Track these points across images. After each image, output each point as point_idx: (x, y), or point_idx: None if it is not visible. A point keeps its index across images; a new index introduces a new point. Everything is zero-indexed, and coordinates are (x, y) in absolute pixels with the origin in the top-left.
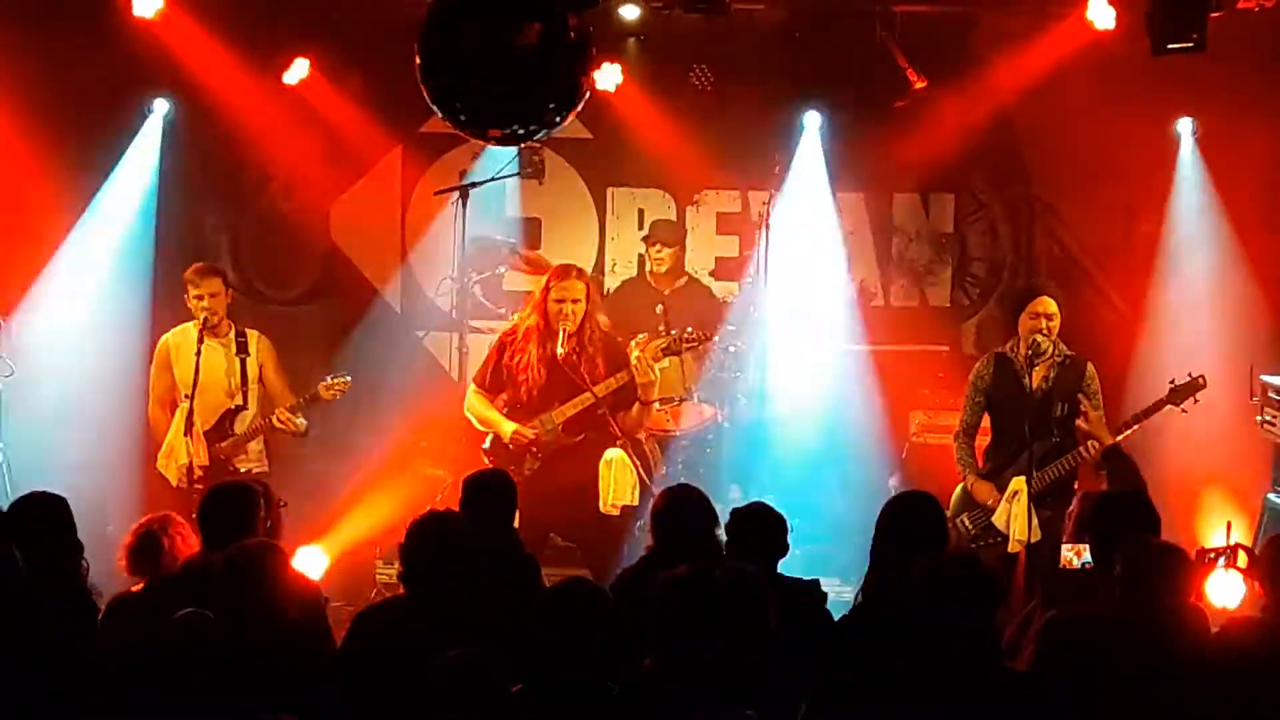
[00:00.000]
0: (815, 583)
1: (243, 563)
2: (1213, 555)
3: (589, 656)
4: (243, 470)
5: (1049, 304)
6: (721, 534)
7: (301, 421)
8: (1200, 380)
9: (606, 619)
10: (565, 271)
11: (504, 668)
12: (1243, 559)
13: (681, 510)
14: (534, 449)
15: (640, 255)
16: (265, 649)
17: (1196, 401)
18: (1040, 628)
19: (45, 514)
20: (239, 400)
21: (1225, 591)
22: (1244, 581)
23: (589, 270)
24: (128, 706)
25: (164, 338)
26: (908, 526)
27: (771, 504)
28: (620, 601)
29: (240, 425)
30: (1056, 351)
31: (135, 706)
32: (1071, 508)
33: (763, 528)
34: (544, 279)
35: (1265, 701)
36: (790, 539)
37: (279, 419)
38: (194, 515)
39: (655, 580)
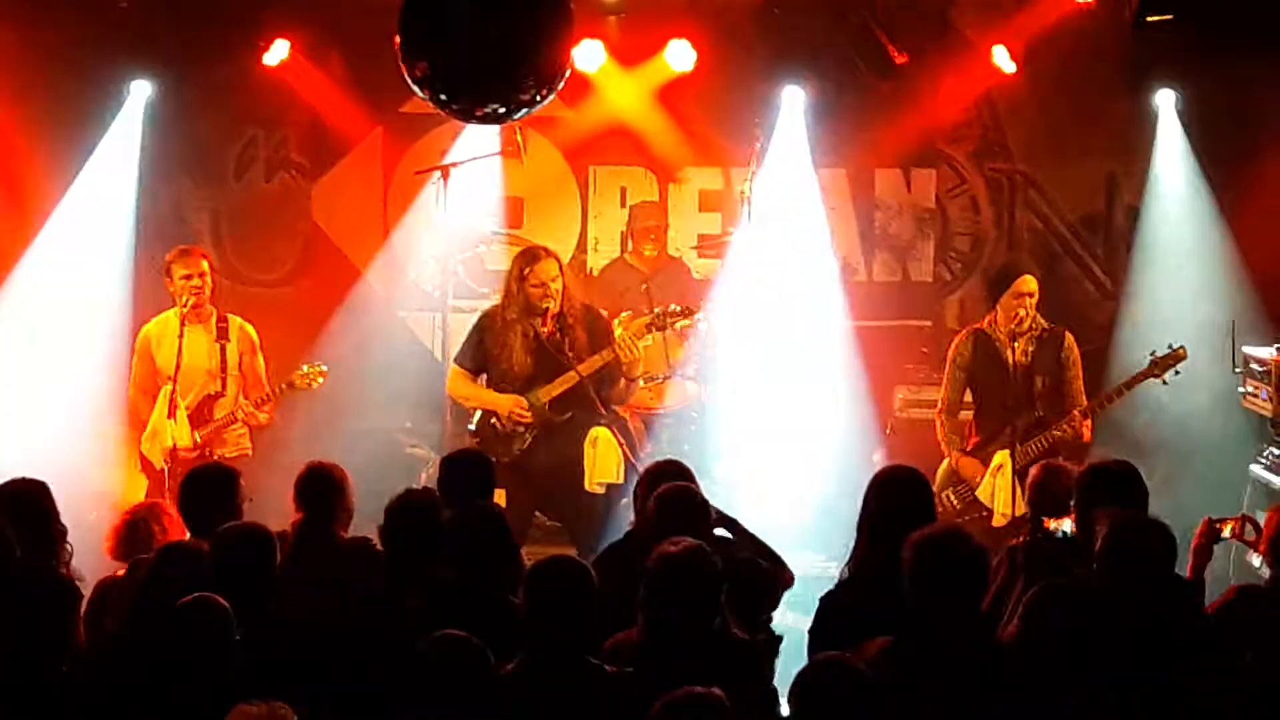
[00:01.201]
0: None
1: (224, 546)
2: (1219, 525)
3: (575, 634)
4: (226, 455)
5: (1031, 282)
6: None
7: (264, 416)
8: (1181, 351)
9: (593, 596)
10: (535, 254)
11: (486, 648)
12: (1250, 531)
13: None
14: (522, 428)
15: (623, 234)
16: (258, 635)
17: (1178, 373)
18: (1027, 600)
19: (27, 500)
20: (218, 386)
21: None
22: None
23: (571, 249)
24: (114, 693)
25: (144, 329)
26: (893, 501)
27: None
28: (605, 576)
29: (219, 412)
30: (1035, 325)
31: (122, 693)
32: (1031, 477)
33: (684, 511)
34: (513, 264)
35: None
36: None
37: (243, 410)
38: (171, 497)
39: (640, 554)
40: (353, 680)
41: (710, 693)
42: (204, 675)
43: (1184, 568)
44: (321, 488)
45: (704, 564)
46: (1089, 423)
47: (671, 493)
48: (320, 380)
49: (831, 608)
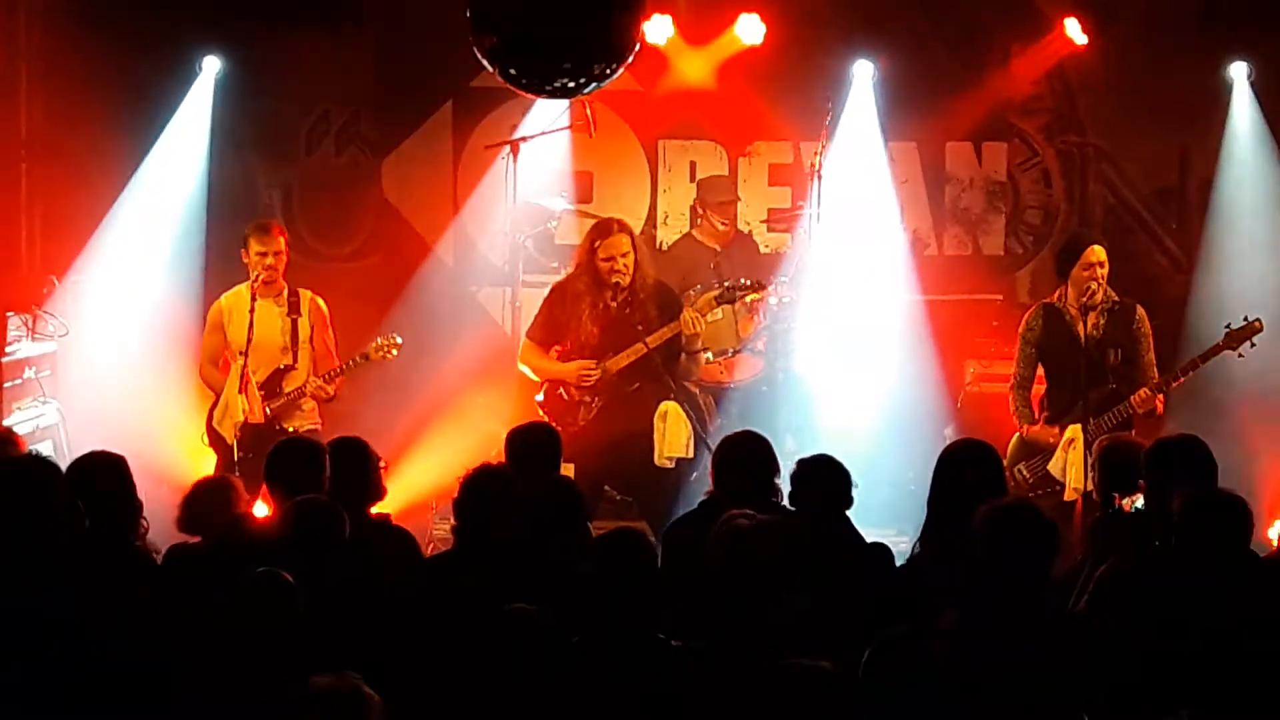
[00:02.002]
0: (883, 546)
1: (302, 520)
2: None
3: (637, 606)
4: (296, 428)
5: (1100, 252)
6: (781, 482)
7: (331, 389)
8: (1257, 324)
9: (655, 570)
10: (607, 227)
11: (553, 621)
12: None
13: (743, 455)
14: (589, 398)
15: (692, 208)
16: (326, 607)
17: (1253, 345)
18: (1100, 575)
19: (106, 473)
20: (289, 359)
21: None
22: None
23: (640, 224)
24: (185, 663)
25: (218, 301)
26: (964, 476)
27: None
28: (677, 547)
29: (289, 385)
30: (1106, 298)
31: (199, 664)
32: (1095, 453)
33: (827, 480)
34: (585, 237)
35: None
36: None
37: (312, 385)
38: (240, 470)
39: (712, 525)
40: (422, 652)
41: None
42: (272, 646)
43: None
44: (351, 461)
45: (779, 538)
46: (1161, 397)
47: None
48: (394, 352)
49: (905, 578)
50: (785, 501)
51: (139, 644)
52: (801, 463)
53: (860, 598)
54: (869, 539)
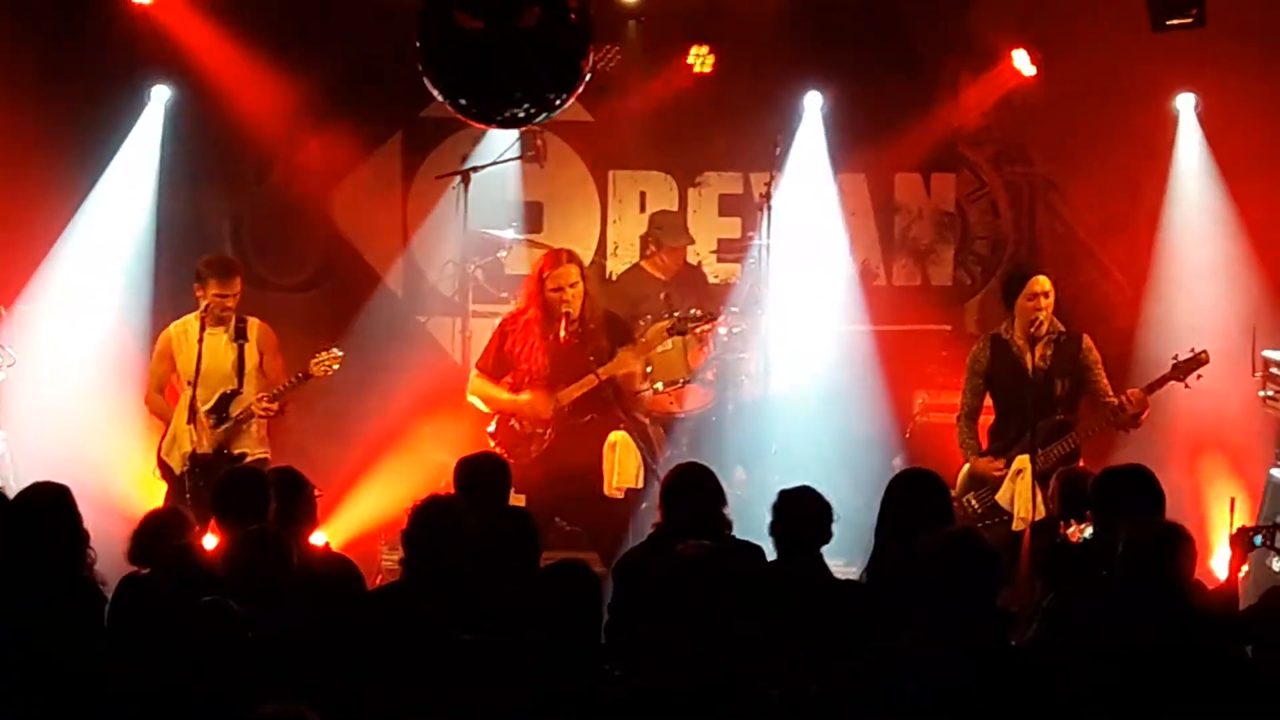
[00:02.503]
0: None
1: (250, 550)
2: (1253, 533)
3: (584, 638)
4: (245, 454)
5: (1044, 282)
6: (728, 512)
7: (275, 407)
8: (1203, 356)
9: (597, 602)
10: (556, 258)
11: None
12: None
13: (690, 487)
14: (540, 429)
15: (642, 238)
16: (273, 635)
17: (1199, 377)
18: (1045, 605)
19: (51, 504)
20: (234, 384)
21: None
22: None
23: (590, 254)
24: (139, 695)
25: (167, 329)
26: (911, 505)
27: (755, 489)
28: (627, 579)
29: (236, 408)
30: (1052, 329)
31: (146, 695)
32: (1052, 486)
33: (809, 515)
34: (536, 267)
35: None
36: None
37: (258, 406)
38: (191, 501)
39: (661, 556)
40: (366, 681)
41: None
42: (218, 676)
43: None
44: (293, 489)
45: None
46: (1149, 399)
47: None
48: (335, 366)
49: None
50: (734, 531)
51: (85, 674)
52: (784, 494)
53: (825, 631)
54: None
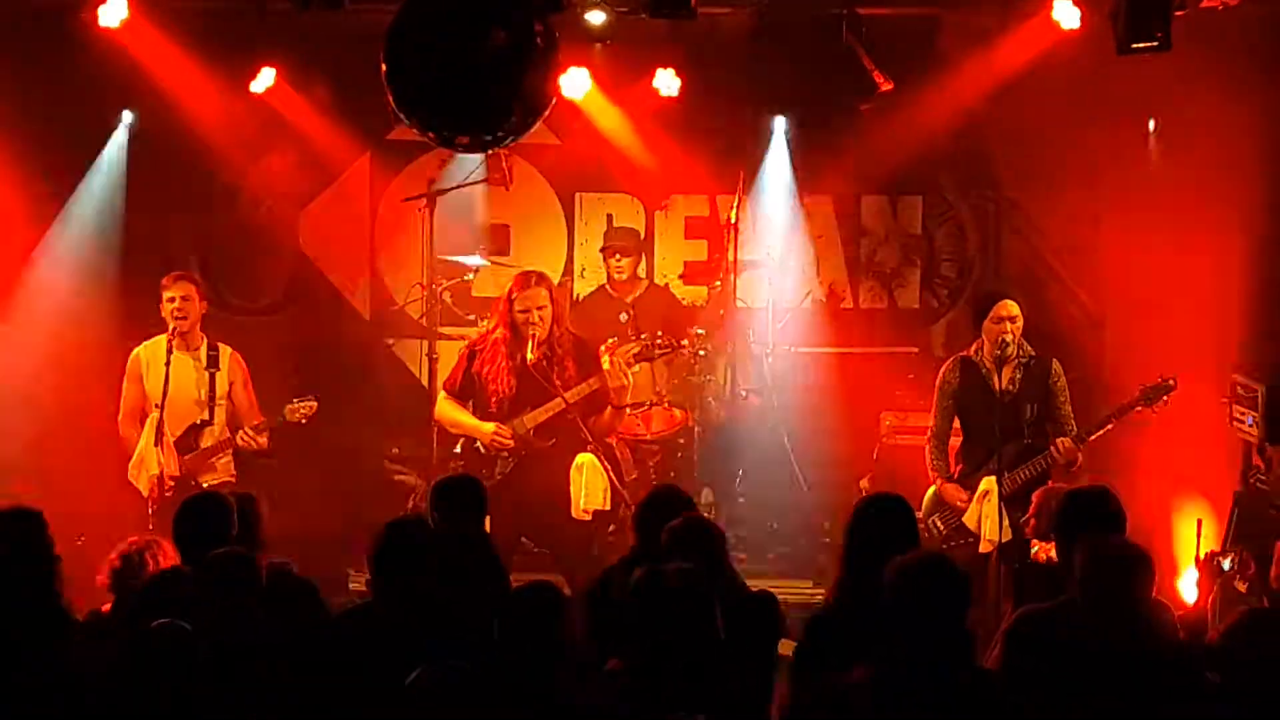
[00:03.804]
0: (769, 594)
1: (212, 574)
2: (1220, 558)
3: (546, 661)
4: (211, 483)
5: (1012, 306)
6: None
7: (264, 440)
8: (1171, 382)
9: (564, 625)
10: (526, 280)
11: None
12: (1247, 563)
13: (663, 510)
14: (506, 453)
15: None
16: (236, 659)
17: (1166, 403)
18: (1007, 626)
19: (21, 528)
20: (205, 415)
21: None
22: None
23: (558, 276)
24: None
25: (135, 350)
26: (878, 529)
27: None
28: (600, 602)
29: (206, 440)
30: (1021, 353)
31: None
32: (1032, 507)
33: (701, 541)
34: (506, 289)
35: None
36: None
37: (242, 438)
38: (154, 524)
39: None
40: (331, 706)
41: None
42: (172, 701)
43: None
44: (244, 514)
45: (692, 585)
46: (1081, 448)
47: (685, 525)
48: (310, 414)
49: (817, 631)
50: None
51: (57, 700)
52: (672, 530)
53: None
54: (785, 589)
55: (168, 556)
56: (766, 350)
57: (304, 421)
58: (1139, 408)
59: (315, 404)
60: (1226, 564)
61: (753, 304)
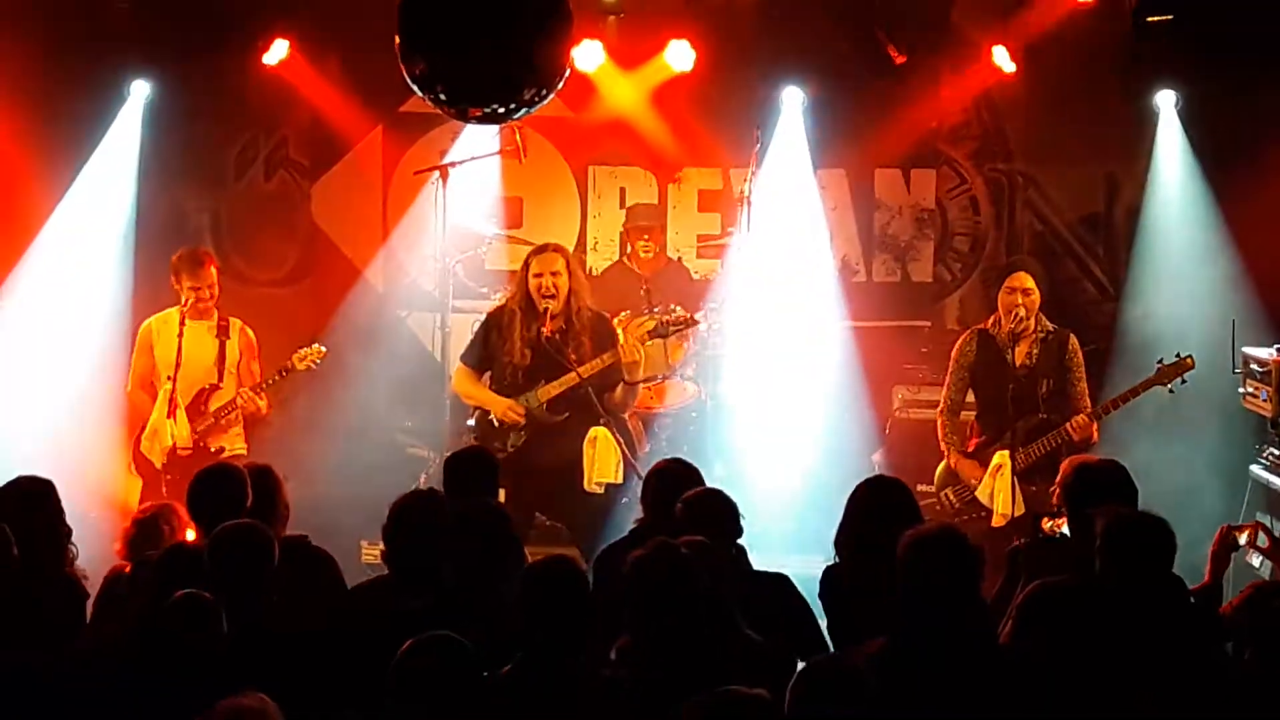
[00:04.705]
0: (782, 575)
1: (234, 543)
2: (1236, 533)
3: (568, 636)
4: (223, 449)
5: (1024, 279)
6: None
7: (263, 403)
8: (1188, 361)
9: (585, 599)
10: (541, 248)
11: (473, 650)
12: (1262, 538)
13: (673, 483)
14: (519, 427)
15: (621, 235)
16: (250, 629)
17: (1184, 382)
18: (1020, 601)
19: (33, 498)
20: (215, 379)
21: None
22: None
23: (570, 248)
24: (120, 687)
25: (147, 322)
26: (877, 510)
27: (736, 485)
28: (607, 575)
29: (215, 403)
30: (1039, 327)
31: (126, 687)
32: (1058, 478)
33: (715, 514)
34: (523, 260)
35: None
36: (746, 522)
37: (243, 397)
38: (167, 496)
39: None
40: (346, 680)
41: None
42: (194, 670)
43: (1188, 571)
44: (263, 487)
45: (677, 563)
46: (1096, 425)
47: (701, 497)
48: (318, 360)
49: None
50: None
51: (67, 671)
52: (687, 500)
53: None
54: (797, 565)
55: (183, 523)
56: (779, 324)
57: (312, 368)
58: (1156, 385)
59: (323, 350)
60: (1242, 539)
61: (765, 277)
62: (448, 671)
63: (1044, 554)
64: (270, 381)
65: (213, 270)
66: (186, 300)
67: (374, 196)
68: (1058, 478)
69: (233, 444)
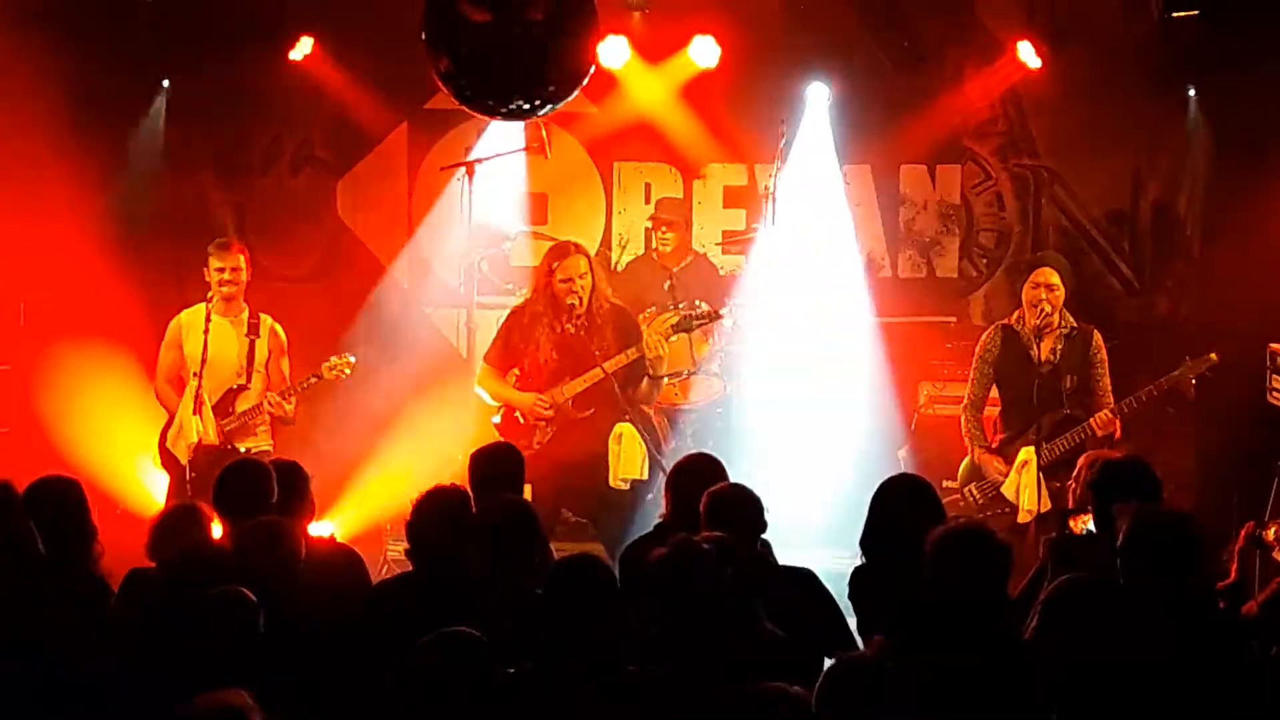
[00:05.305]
0: (807, 571)
1: (250, 542)
2: (1262, 530)
3: (594, 633)
4: (249, 449)
5: (1049, 274)
6: None
7: (289, 407)
8: (1213, 356)
9: (611, 595)
10: (564, 249)
11: (487, 646)
12: None
13: (698, 478)
14: (544, 423)
15: (647, 230)
16: (276, 626)
17: (1209, 376)
18: (1045, 597)
19: (60, 498)
20: (243, 379)
21: None
22: None
23: (595, 246)
24: (143, 687)
25: (178, 317)
26: (901, 509)
27: (761, 480)
28: (632, 570)
29: (243, 404)
30: (1063, 323)
31: (149, 687)
32: (1075, 473)
33: (740, 509)
34: (543, 260)
35: None
36: (771, 517)
37: (270, 402)
38: (192, 492)
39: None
40: (370, 676)
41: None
42: (229, 668)
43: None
44: (289, 482)
45: (699, 560)
46: (1119, 420)
47: (725, 492)
48: (347, 371)
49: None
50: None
51: (92, 670)
52: (712, 494)
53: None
54: (822, 560)
55: (208, 521)
56: (804, 320)
57: (341, 378)
58: (1180, 381)
59: (352, 361)
60: (1270, 535)
61: (791, 273)
62: (466, 667)
63: (1072, 549)
64: (300, 388)
65: (239, 256)
66: (213, 284)
67: (399, 193)
68: (1075, 473)
69: (259, 443)
